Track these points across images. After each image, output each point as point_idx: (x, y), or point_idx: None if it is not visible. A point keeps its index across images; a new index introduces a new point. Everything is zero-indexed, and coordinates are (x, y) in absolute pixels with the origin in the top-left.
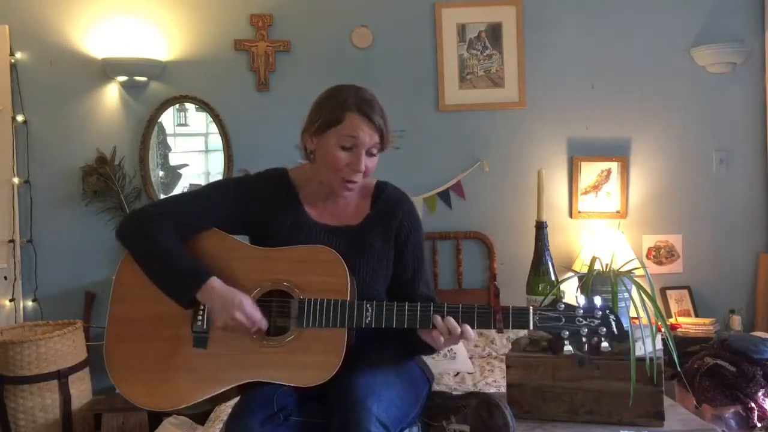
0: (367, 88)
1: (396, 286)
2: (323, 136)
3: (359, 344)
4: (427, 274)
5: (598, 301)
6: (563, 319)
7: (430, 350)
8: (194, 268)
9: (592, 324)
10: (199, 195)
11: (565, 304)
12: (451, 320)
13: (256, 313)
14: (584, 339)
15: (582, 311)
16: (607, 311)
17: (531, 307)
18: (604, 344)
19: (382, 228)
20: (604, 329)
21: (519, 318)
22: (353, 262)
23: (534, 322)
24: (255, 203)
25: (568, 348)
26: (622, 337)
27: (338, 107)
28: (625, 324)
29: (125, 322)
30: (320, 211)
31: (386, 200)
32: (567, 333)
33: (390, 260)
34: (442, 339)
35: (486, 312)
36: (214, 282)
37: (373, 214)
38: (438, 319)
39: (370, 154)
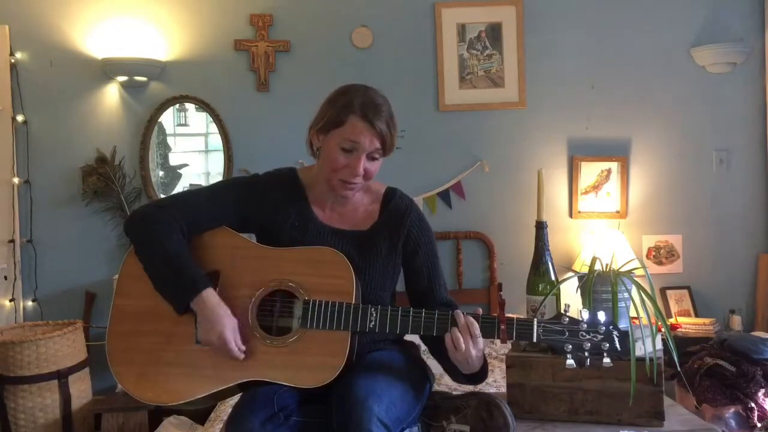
0: (378, 91)
1: (414, 294)
2: (327, 136)
3: (360, 344)
4: (443, 278)
5: (602, 316)
6: (567, 333)
7: (475, 378)
8: (193, 276)
9: (595, 339)
10: (208, 194)
11: (569, 317)
12: (471, 318)
13: (233, 345)
14: (587, 353)
15: (586, 325)
16: (611, 327)
17: (535, 320)
18: (606, 360)
19: (390, 234)
20: (607, 345)
21: (523, 330)
22: (359, 266)
23: (538, 334)
24: (263, 203)
25: (570, 362)
26: (625, 354)
27: (343, 109)
28: (624, 325)
29: (129, 315)
30: (328, 213)
31: (395, 207)
32: (570, 347)
33: (396, 267)
34: (461, 339)
35: (490, 323)
36: (209, 294)
37: (382, 221)
38: (461, 316)
39: (371, 158)
